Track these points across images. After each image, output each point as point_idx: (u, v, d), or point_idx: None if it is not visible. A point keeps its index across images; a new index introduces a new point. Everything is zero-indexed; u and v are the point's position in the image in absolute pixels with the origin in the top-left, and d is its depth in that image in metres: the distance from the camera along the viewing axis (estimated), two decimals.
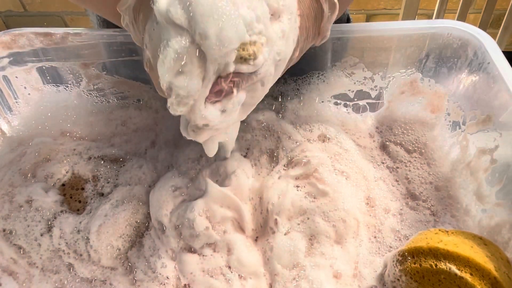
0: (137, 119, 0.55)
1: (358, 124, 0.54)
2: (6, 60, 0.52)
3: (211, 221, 0.43)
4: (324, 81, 0.54)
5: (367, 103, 0.55)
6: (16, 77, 0.53)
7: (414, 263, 0.37)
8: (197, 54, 0.29)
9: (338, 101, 0.55)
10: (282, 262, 0.41)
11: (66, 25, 1.57)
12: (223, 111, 0.32)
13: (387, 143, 0.52)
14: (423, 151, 0.51)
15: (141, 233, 0.45)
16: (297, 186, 0.45)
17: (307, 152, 0.47)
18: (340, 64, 0.52)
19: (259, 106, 0.54)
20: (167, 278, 0.42)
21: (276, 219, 0.43)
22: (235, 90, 0.31)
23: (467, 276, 0.34)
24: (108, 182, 0.48)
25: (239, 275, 0.42)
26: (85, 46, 0.51)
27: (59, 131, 0.54)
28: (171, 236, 0.43)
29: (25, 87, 0.54)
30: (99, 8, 0.47)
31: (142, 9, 0.33)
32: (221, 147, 0.46)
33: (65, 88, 0.55)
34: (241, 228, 0.44)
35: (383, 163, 0.51)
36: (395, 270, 0.38)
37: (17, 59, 0.52)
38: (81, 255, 0.44)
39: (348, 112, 0.55)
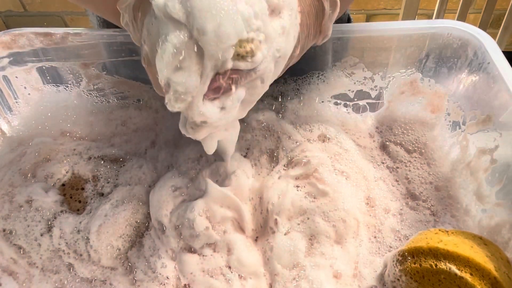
0: (137, 119, 0.55)
1: (358, 124, 0.54)
2: (6, 60, 0.52)
3: (211, 221, 0.43)
4: (324, 81, 0.54)
5: (367, 103, 0.55)
6: (16, 77, 0.53)
7: (414, 263, 0.37)
8: (195, 50, 0.29)
9: (338, 101, 0.55)
10: (282, 262, 0.41)
11: (66, 25, 1.57)
12: (222, 108, 0.32)
13: (387, 143, 0.52)
14: (423, 151, 0.51)
15: (141, 233, 0.45)
16: (297, 186, 0.45)
17: (307, 152, 0.47)
18: (340, 64, 0.52)
19: (259, 106, 0.54)
20: (167, 278, 0.42)
21: (276, 219, 0.43)
22: (233, 87, 0.31)
23: (467, 276, 0.34)
24: (108, 182, 0.48)
25: (239, 275, 0.42)
26: (85, 46, 0.51)
27: (59, 131, 0.54)
28: (171, 236, 0.43)
29: (25, 87, 0.54)
30: (98, 8, 0.47)
31: (141, 7, 0.33)
32: (221, 152, 0.46)
33: (65, 88, 0.55)
34: (241, 228, 0.44)
35: (383, 163, 0.51)
36: (395, 270, 0.38)
37: (17, 59, 0.52)
38: (81, 255, 0.44)
39: (348, 112, 0.55)
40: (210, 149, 0.40)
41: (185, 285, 0.42)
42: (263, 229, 0.44)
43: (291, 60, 0.36)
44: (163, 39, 0.29)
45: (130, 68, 0.53)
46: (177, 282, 0.42)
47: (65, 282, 0.43)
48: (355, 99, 0.55)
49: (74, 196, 0.48)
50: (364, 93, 0.55)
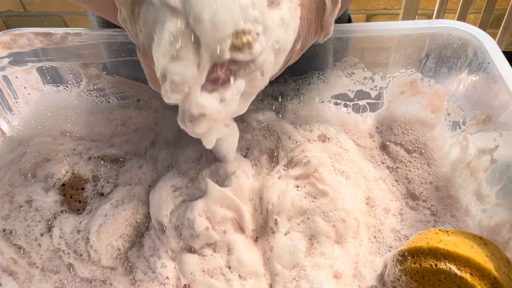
0: (137, 119, 0.55)
1: (358, 124, 0.54)
2: (6, 60, 0.52)
3: (211, 221, 0.43)
4: (324, 81, 0.54)
5: (367, 103, 0.55)
6: (16, 77, 0.53)
7: (414, 263, 0.37)
8: (192, 40, 0.28)
9: (338, 101, 0.55)
10: (282, 262, 0.41)
11: (66, 25, 1.57)
12: (221, 100, 0.31)
13: (387, 143, 0.52)
14: (423, 151, 0.51)
15: (141, 233, 0.45)
16: (297, 186, 0.45)
17: (307, 152, 0.47)
18: (340, 64, 0.52)
19: (259, 106, 0.54)
20: (167, 278, 0.42)
21: (276, 219, 0.43)
22: (232, 79, 0.30)
23: (467, 276, 0.34)
24: (108, 182, 0.48)
25: (239, 275, 0.42)
26: (85, 46, 0.51)
27: (59, 131, 0.54)
28: (171, 236, 0.43)
29: (25, 87, 0.54)
30: (98, 7, 0.47)
31: (139, 1, 0.33)
32: (221, 157, 0.46)
33: (65, 88, 0.55)
34: (241, 228, 0.44)
35: (383, 163, 0.51)
36: (395, 270, 0.38)
37: (17, 59, 0.52)
38: (81, 255, 0.44)
39: (348, 112, 0.55)
40: (209, 143, 0.39)
41: (185, 285, 0.42)
42: (263, 229, 0.44)
43: (291, 55, 0.36)
44: (160, 27, 0.28)
45: (130, 68, 0.53)
46: (177, 282, 0.42)
47: (65, 282, 0.43)
48: (355, 99, 0.55)
49: (74, 196, 0.48)
50: (364, 93, 0.55)
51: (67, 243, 0.44)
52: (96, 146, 0.52)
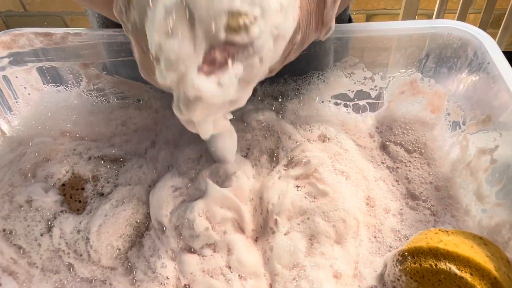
0: (137, 119, 0.55)
1: (358, 124, 0.54)
2: (6, 60, 0.52)
3: (211, 222, 0.43)
4: (324, 81, 0.54)
5: (367, 103, 0.55)
6: (16, 77, 0.53)
7: (414, 263, 0.37)
8: (187, 15, 0.28)
9: (338, 101, 0.55)
10: (282, 262, 0.41)
11: (66, 25, 1.57)
12: (218, 83, 0.30)
13: (387, 143, 0.52)
14: (423, 151, 0.51)
15: (141, 233, 0.45)
16: (297, 186, 0.45)
17: (307, 152, 0.47)
18: (340, 64, 0.52)
19: (259, 106, 0.54)
20: (167, 278, 0.42)
21: (276, 219, 0.43)
22: (229, 61, 0.30)
23: (467, 276, 0.34)
24: (108, 182, 0.48)
25: (239, 275, 0.42)
26: (85, 46, 0.51)
27: (59, 131, 0.54)
28: (171, 236, 0.43)
29: (25, 87, 0.54)
30: (98, 5, 0.47)
31: None
32: (221, 161, 0.46)
33: (65, 88, 0.55)
34: (241, 229, 0.44)
35: (383, 163, 0.51)
36: (395, 270, 0.38)
37: (17, 59, 0.52)
38: (81, 255, 0.44)
39: (348, 112, 0.55)
40: (205, 132, 0.37)
41: (185, 285, 0.42)
42: (263, 229, 0.44)
43: (292, 48, 0.35)
44: (153, 1, 0.28)
45: (130, 68, 0.53)
46: (177, 282, 0.42)
47: (65, 282, 0.43)
48: (355, 99, 0.55)
49: (74, 196, 0.48)
50: (364, 93, 0.55)
51: (67, 243, 0.44)
52: (96, 146, 0.52)
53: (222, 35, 0.28)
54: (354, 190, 0.46)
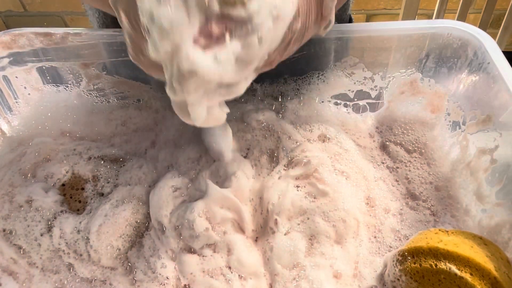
0: (137, 119, 0.55)
1: (358, 124, 0.54)
2: (6, 60, 0.52)
3: (211, 222, 0.43)
4: (324, 81, 0.54)
5: (367, 103, 0.55)
6: (16, 77, 0.53)
7: (414, 263, 0.37)
8: None
9: (338, 101, 0.55)
10: (282, 262, 0.41)
11: (66, 25, 1.57)
12: (214, 59, 0.29)
13: (387, 143, 0.52)
14: (423, 151, 0.51)
15: (141, 233, 0.45)
16: (297, 186, 0.45)
17: (307, 152, 0.47)
18: (340, 64, 0.52)
19: (259, 106, 0.54)
20: (167, 278, 0.42)
21: (276, 219, 0.43)
22: (227, 36, 0.29)
23: (467, 276, 0.34)
24: (108, 182, 0.48)
25: (239, 275, 0.42)
26: (85, 46, 0.51)
27: (59, 131, 0.54)
28: (171, 236, 0.43)
29: (25, 87, 0.54)
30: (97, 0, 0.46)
31: None
32: (218, 154, 0.46)
33: (65, 88, 0.55)
34: (241, 229, 0.44)
35: (383, 163, 0.51)
36: (395, 270, 0.38)
37: (17, 59, 0.52)
38: (81, 255, 0.44)
39: (348, 112, 0.55)
40: (198, 117, 0.34)
41: (185, 285, 0.42)
42: (263, 230, 0.44)
43: (292, 37, 0.34)
44: None
45: (130, 68, 0.53)
46: (177, 283, 0.42)
47: (65, 282, 0.43)
48: (355, 99, 0.55)
49: (74, 196, 0.48)
50: (364, 93, 0.55)
51: (67, 243, 0.44)
52: (96, 146, 0.52)
53: (216, 7, 0.28)
54: (354, 190, 0.46)
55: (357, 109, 0.56)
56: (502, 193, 0.42)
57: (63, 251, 0.44)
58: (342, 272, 0.41)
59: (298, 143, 0.50)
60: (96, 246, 0.43)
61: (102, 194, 0.48)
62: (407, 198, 0.48)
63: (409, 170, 0.50)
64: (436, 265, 0.35)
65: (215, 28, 0.29)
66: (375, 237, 0.44)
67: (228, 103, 0.56)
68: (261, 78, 0.54)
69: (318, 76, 0.54)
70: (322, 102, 0.55)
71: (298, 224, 0.43)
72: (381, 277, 0.41)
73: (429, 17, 1.43)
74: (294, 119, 0.53)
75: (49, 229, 0.44)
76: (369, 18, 1.48)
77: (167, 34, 0.28)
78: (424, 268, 0.36)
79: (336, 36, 0.49)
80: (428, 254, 0.36)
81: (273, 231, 0.43)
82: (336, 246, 0.43)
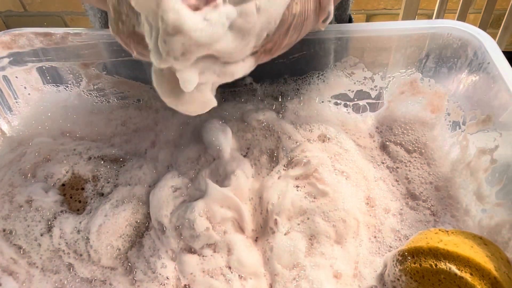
0: (137, 119, 0.55)
1: (358, 124, 0.54)
2: (6, 60, 0.52)
3: (211, 222, 0.43)
4: (324, 81, 0.54)
5: (367, 103, 0.55)
6: (16, 77, 0.53)
7: (414, 263, 0.37)
8: None
9: (338, 101, 0.55)
10: (282, 262, 0.41)
11: (66, 25, 1.57)
12: (204, 19, 0.27)
13: (387, 143, 0.52)
14: (423, 151, 0.51)
15: (141, 233, 0.45)
16: (297, 186, 0.45)
17: (307, 152, 0.47)
18: (340, 64, 0.52)
19: (259, 106, 0.54)
20: (167, 278, 0.42)
21: (276, 219, 0.43)
22: None
23: (467, 276, 0.34)
24: (108, 182, 0.48)
25: (239, 275, 0.42)
26: (85, 46, 0.51)
27: (59, 131, 0.54)
28: (171, 236, 0.43)
29: (25, 87, 0.54)
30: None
31: None
32: (219, 150, 0.46)
33: (65, 88, 0.55)
34: (241, 229, 0.44)
35: (383, 163, 0.51)
36: (395, 270, 0.38)
37: (17, 59, 0.52)
38: (81, 255, 0.44)
39: (348, 112, 0.55)
40: (186, 82, 0.30)
41: (185, 285, 0.42)
42: (263, 229, 0.44)
43: (291, 22, 0.32)
44: None
45: (130, 68, 0.53)
46: (177, 283, 0.42)
47: (65, 282, 0.43)
48: (355, 99, 0.55)
49: (74, 196, 0.48)
50: (364, 93, 0.55)
51: (67, 243, 0.44)
52: (96, 146, 0.52)
53: None
54: (354, 190, 0.46)
55: (357, 109, 0.56)
56: (502, 193, 0.42)
57: (63, 251, 0.44)
58: (342, 272, 0.41)
59: (298, 143, 0.50)
60: (96, 246, 0.43)
61: (102, 194, 0.48)
62: (407, 198, 0.48)
63: (409, 170, 0.50)
64: (436, 265, 0.35)
65: None
66: (375, 237, 0.44)
67: (228, 103, 0.56)
68: (261, 78, 0.54)
69: (318, 76, 0.54)
70: (322, 102, 0.55)
71: (298, 224, 0.43)
72: (381, 277, 0.41)
73: (429, 17, 1.43)
74: (294, 119, 0.53)
75: (49, 229, 0.44)
76: (369, 18, 1.48)
77: None
78: (424, 268, 0.36)
79: (336, 36, 0.49)
80: (428, 254, 0.36)
81: (273, 231, 0.43)
82: (336, 246, 0.43)
